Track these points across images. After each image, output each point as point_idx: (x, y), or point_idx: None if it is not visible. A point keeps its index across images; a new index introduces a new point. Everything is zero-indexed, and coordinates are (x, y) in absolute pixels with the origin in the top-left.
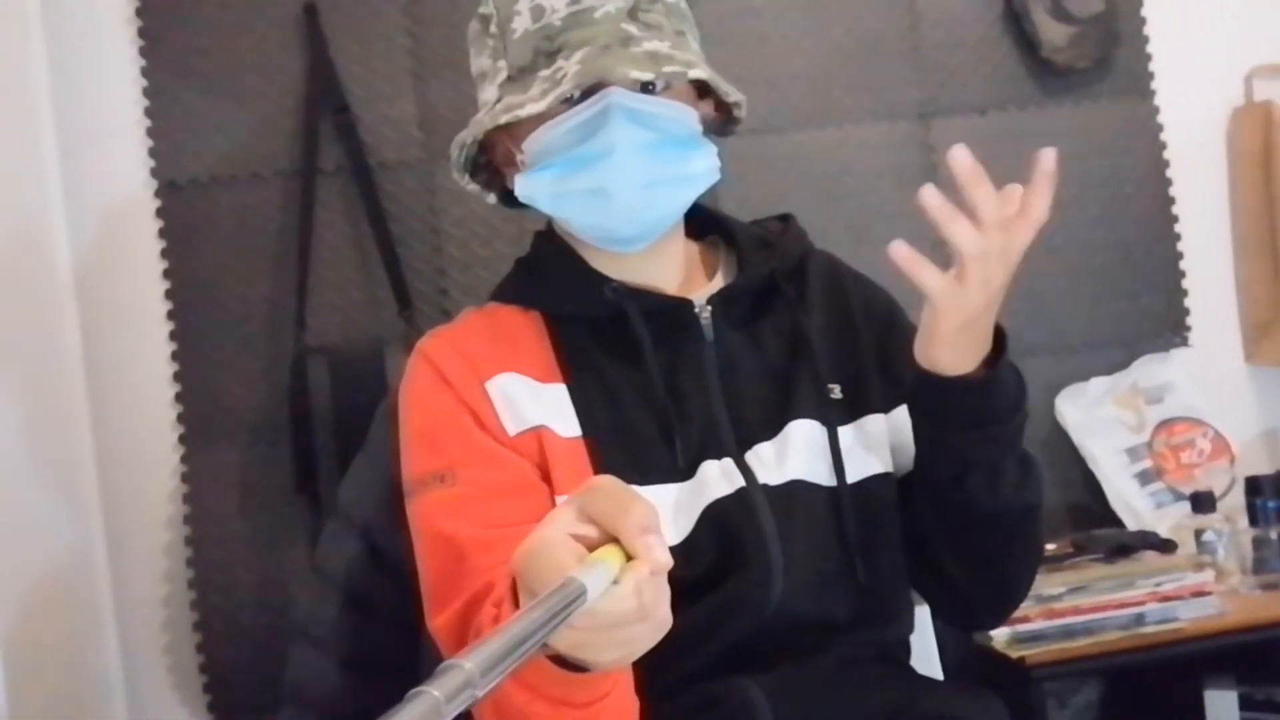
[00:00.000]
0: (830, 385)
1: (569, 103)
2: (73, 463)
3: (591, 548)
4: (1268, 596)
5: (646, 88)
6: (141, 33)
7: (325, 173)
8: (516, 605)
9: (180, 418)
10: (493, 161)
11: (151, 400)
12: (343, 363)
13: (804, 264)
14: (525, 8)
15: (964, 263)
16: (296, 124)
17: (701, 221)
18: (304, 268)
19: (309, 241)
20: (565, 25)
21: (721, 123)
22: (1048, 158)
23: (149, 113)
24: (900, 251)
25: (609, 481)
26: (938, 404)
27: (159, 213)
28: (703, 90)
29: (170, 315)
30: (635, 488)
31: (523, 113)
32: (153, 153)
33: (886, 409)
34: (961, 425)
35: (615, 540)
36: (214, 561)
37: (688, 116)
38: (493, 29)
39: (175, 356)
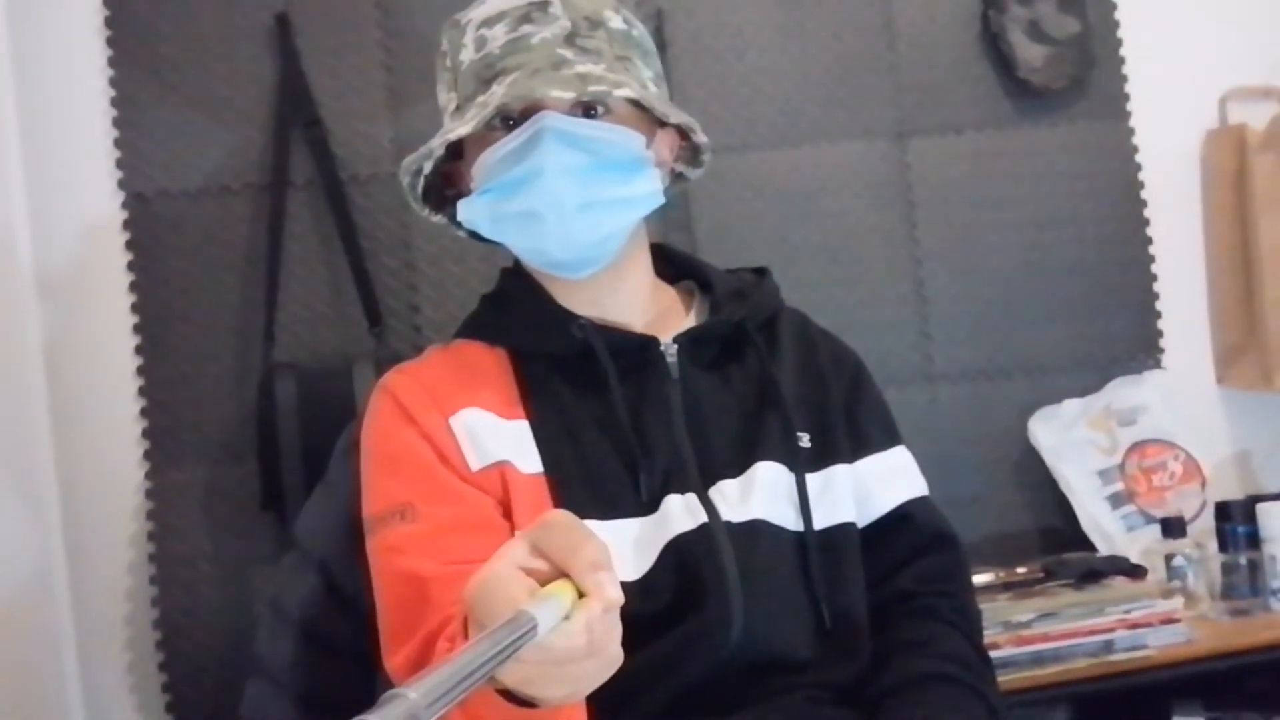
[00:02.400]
0: (799, 434)
1: (509, 128)
2: (34, 478)
3: (543, 583)
4: (1236, 623)
5: (589, 113)
6: (110, 42)
7: (296, 186)
8: (468, 638)
9: (145, 433)
10: (460, 194)
11: (116, 415)
12: (311, 379)
13: (775, 319)
14: (470, 40)
15: None
16: (267, 137)
17: (679, 267)
18: (273, 283)
19: (278, 256)
20: (503, 53)
21: (689, 153)
22: None
23: (117, 123)
24: None
25: (562, 517)
26: None
27: (126, 225)
28: (665, 121)
29: (136, 329)
30: (596, 523)
31: (451, 135)
32: (120, 164)
33: (852, 460)
34: None
35: (567, 576)
36: (178, 580)
37: (628, 140)
38: (447, 63)
39: (141, 371)
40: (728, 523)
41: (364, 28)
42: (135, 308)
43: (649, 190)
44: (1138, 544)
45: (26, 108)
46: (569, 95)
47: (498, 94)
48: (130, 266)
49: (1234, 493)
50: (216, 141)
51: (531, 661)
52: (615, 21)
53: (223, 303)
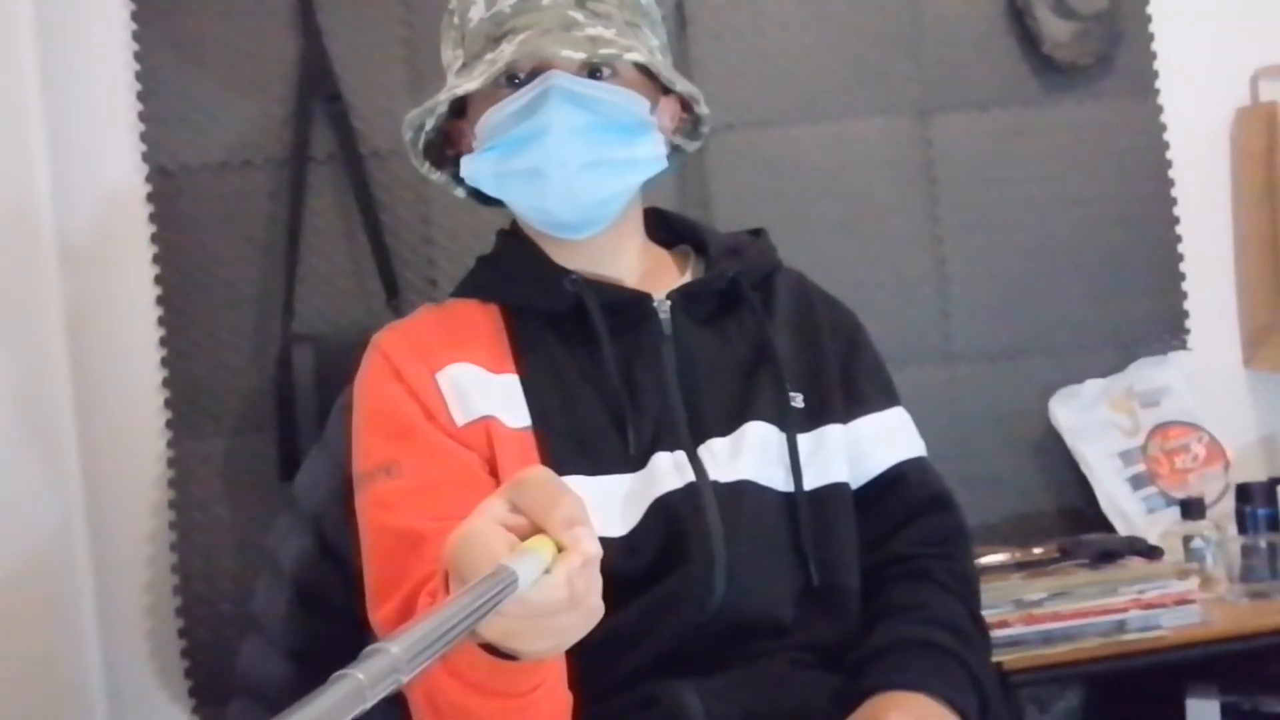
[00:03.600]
0: (792, 394)
1: (515, 86)
2: (57, 448)
3: (523, 538)
4: (1254, 605)
5: (595, 74)
6: (135, 17)
7: (316, 160)
8: (449, 594)
9: (166, 404)
10: (460, 153)
11: (138, 386)
12: (329, 351)
13: (772, 277)
14: None
15: None
16: (288, 111)
17: (674, 230)
18: (293, 256)
19: (299, 229)
20: (514, 12)
21: (689, 125)
22: None
23: (141, 97)
24: None
25: (538, 473)
26: None
27: (149, 198)
28: (669, 90)
29: (158, 301)
30: (584, 479)
31: (459, 91)
32: (144, 138)
33: (846, 420)
34: None
35: (545, 531)
36: (198, 548)
37: (633, 104)
38: (455, 20)
39: (163, 342)
40: (715, 482)
41: (386, 3)
42: (158, 279)
43: (652, 154)
44: (1157, 526)
45: (51, 80)
46: (579, 56)
47: (507, 52)
48: (153, 239)
49: (1258, 475)
50: (239, 115)
51: (513, 615)
52: None
53: (243, 275)
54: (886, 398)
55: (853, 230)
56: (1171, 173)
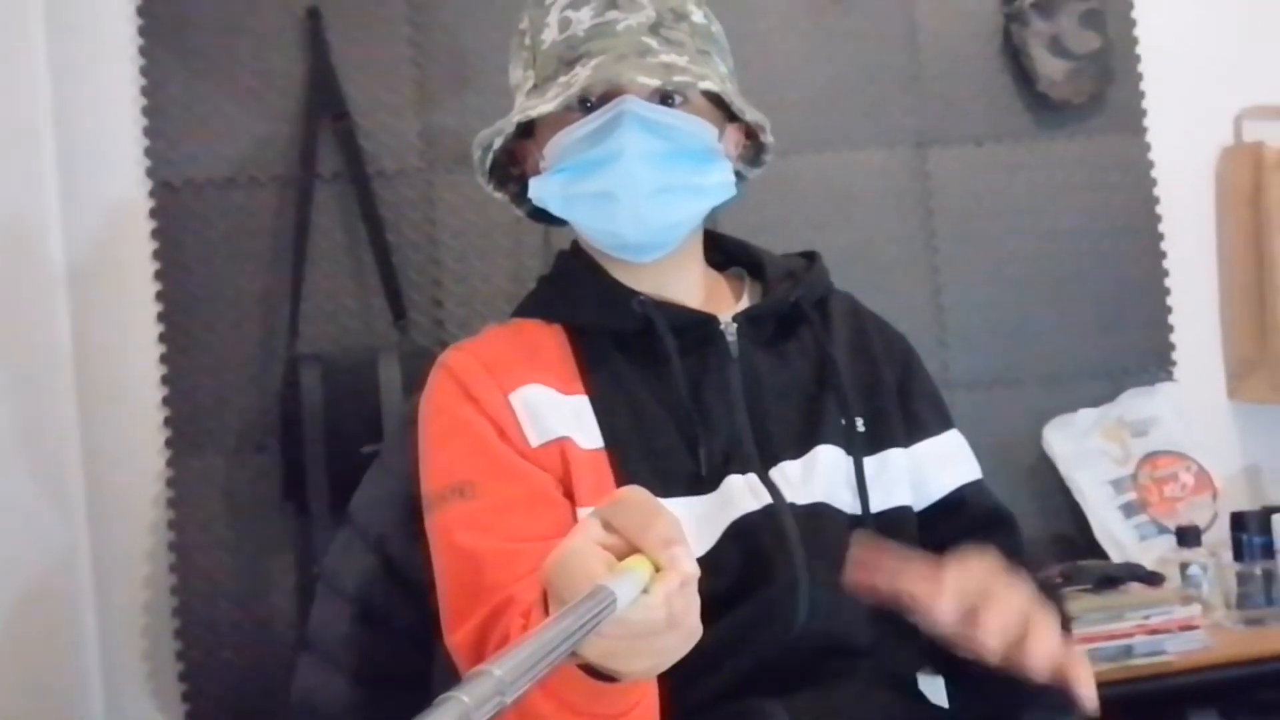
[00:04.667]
0: (855, 417)
1: (587, 110)
2: (59, 464)
3: (619, 558)
4: (1251, 632)
5: (666, 100)
6: (142, 31)
7: (323, 179)
8: (547, 614)
9: (168, 421)
10: (525, 173)
11: (140, 403)
12: (335, 371)
13: (827, 301)
14: (554, 20)
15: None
16: (295, 129)
17: (727, 254)
18: (298, 274)
19: (304, 248)
20: (588, 36)
21: (754, 152)
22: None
23: (146, 112)
24: None
25: (635, 493)
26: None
27: (153, 214)
28: (734, 116)
29: (161, 318)
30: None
31: (533, 113)
32: (149, 153)
33: (907, 444)
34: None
35: (641, 551)
36: (197, 568)
37: (704, 131)
38: (526, 41)
39: (165, 360)
40: (792, 504)
41: (394, 23)
42: (160, 296)
43: (721, 181)
44: (1150, 553)
45: (58, 94)
46: (654, 82)
47: (582, 75)
48: (156, 255)
49: (1245, 505)
50: (245, 132)
51: (612, 636)
52: (697, 16)
53: (247, 293)
54: (942, 421)
55: (852, 259)
56: (1159, 209)
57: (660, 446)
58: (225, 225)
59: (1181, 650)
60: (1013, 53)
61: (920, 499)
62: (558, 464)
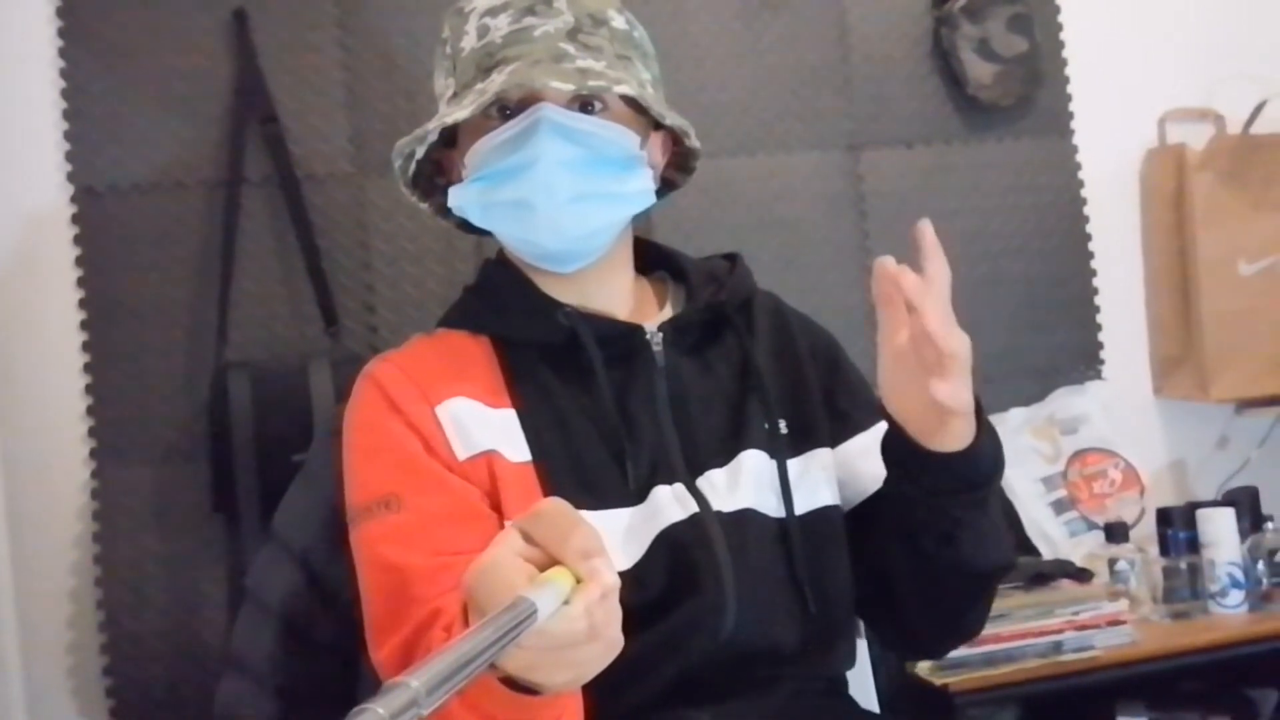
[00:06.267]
0: (778, 420)
1: (506, 118)
2: None
3: (540, 570)
4: (1177, 625)
5: (586, 107)
6: (62, 32)
7: (251, 183)
8: (468, 626)
9: (91, 431)
10: (450, 183)
11: (63, 414)
12: (265, 378)
13: (750, 303)
14: (473, 27)
15: (950, 361)
16: (222, 132)
17: (650, 258)
18: (227, 280)
19: (233, 253)
20: (505, 42)
21: (683, 158)
22: (925, 233)
23: (67, 115)
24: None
25: (553, 505)
26: (931, 474)
27: (75, 219)
28: (660, 124)
29: (84, 325)
30: (586, 513)
31: (449, 119)
32: (70, 157)
33: (833, 444)
34: (954, 490)
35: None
36: (124, 582)
37: (623, 138)
38: (447, 50)
39: (88, 369)
40: (718, 512)
41: (323, 25)
42: (83, 303)
43: (641, 188)
44: (1080, 549)
45: None
46: (568, 88)
47: (497, 81)
48: (79, 262)
49: (1171, 500)
50: (170, 135)
51: (533, 647)
52: (618, 21)
53: (174, 299)
54: (871, 415)
55: (785, 261)
56: (1086, 210)
57: (588, 459)
58: (150, 231)
59: (1109, 645)
60: (942, 56)
61: (855, 495)
62: (485, 477)
